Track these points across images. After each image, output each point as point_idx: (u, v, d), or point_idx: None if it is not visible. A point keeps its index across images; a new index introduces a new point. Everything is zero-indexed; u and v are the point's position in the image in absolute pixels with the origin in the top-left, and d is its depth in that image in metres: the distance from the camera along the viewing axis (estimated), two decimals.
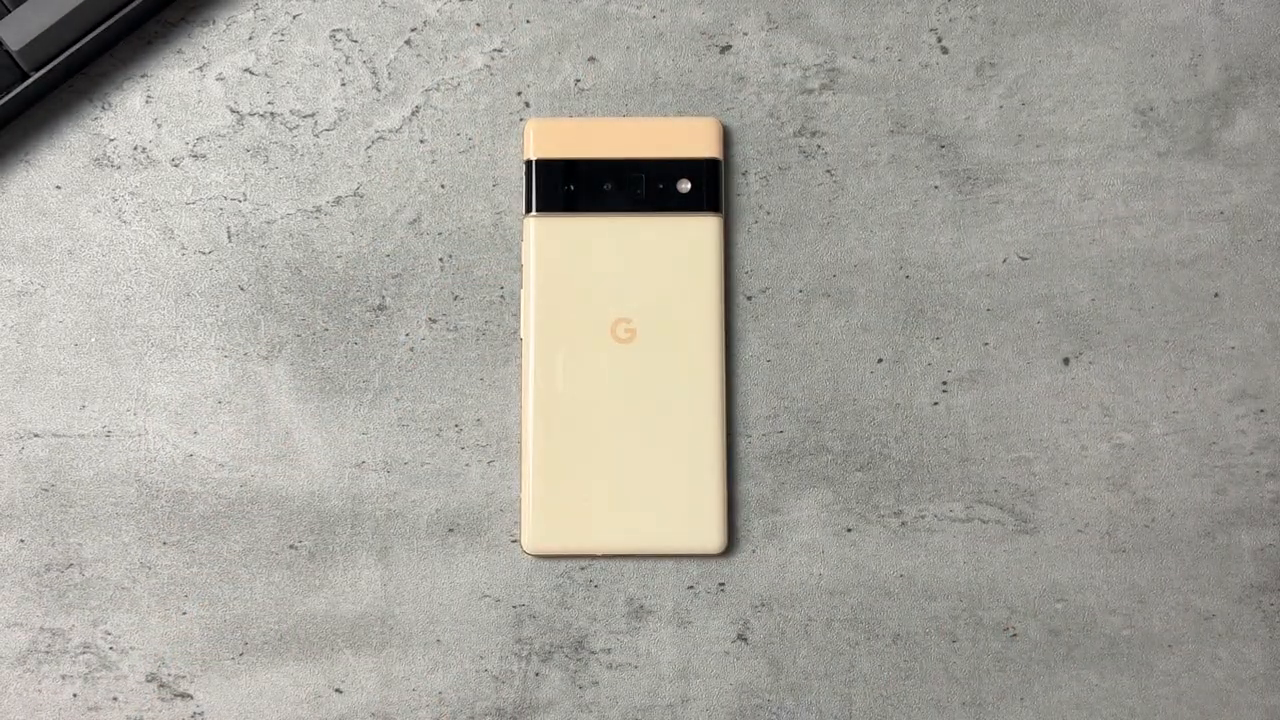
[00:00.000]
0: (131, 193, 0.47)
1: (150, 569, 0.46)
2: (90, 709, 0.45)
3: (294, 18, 0.47)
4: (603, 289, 0.45)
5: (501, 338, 0.46)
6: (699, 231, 0.46)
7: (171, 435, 0.46)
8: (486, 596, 0.46)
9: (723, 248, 0.46)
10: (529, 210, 0.46)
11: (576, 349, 0.45)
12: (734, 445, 0.46)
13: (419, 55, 0.47)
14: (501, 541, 0.46)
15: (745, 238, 0.47)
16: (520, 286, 0.46)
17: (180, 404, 0.46)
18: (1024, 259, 0.47)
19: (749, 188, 0.47)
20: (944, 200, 0.47)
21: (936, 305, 0.47)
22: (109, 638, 0.45)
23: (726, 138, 0.47)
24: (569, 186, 0.46)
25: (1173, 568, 0.46)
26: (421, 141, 0.47)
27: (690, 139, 0.46)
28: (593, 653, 0.46)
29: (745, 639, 0.46)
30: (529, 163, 0.46)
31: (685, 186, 0.46)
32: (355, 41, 0.47)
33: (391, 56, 0.47)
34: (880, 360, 0.47)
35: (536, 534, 0.45)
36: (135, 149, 0.47)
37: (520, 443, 0.45)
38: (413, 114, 0.47)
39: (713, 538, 0.45)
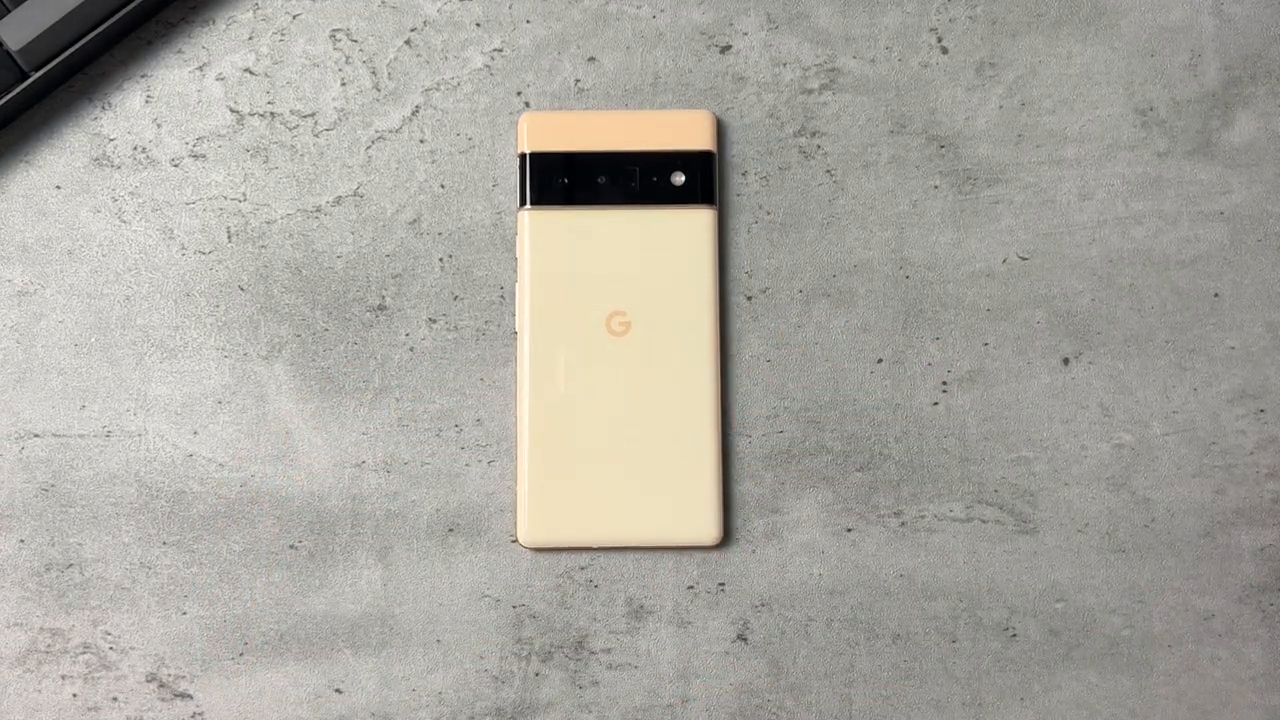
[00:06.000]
0: (131, 193, 0.47)
1: (150, 569, 0.46)
2: (90, 709, 0.45)
3: (294, 18, 0.47)
4: (598, 282, 0.45)
5: (501, 338, 0.46)
6: (693, 224, 0.46)
7: (171, 435, 0.46)
8: (486, 596, 0.46)
9: (717, 240, 0.46)
10: (523, 204, 0.46)
11: (571, 342, 0.45)
12: (734, 445, 0.46)
13: (419, 55, 0.47)
14: (501, 541, 0.46)
15: (745, 238, 0.47)
16: (515, 280, 0.46)
17: (180, 404, 0.46)
18: (1024, 259, 0.47)
19: (749, 187, 0.47)
20: (944, 200, 0.47)
21: (936, 305, 0.47)
22: (109, 638, 0.45)
23: (720, 130, 0.47)
24: (563, 180, 0.46)
25: (1173, 568, 0.46)
26: (421, 141, 0.47)
27: (684, 131, 0.46)
28: (593, 653, 0.46)
29: (745, 639, 0.46)
30: (523, 156, 0.46)
31: (679, 179, 0.46)
32: (355, 41, 0.47)
33: (391, 56, 0.47)
34: (880, 360, 0.47)
35: (533, 527, 0.45)
36: (135, 149, 0.47)
37: (516, 435, 0.45)
38: (413, 114, 0.47)
39: (708, 530, 0.45)
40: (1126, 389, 0.46)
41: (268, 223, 0.47)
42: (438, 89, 0.47)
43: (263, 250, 0.47)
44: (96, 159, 0.47)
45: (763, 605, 0.46)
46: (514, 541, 0.46)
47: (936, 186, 0.47)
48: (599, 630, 0.46)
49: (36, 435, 0.46)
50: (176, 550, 0.46)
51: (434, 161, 0.47)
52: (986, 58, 0.47)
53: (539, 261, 0.45)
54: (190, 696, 0.45)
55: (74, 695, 0.45)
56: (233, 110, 0.47)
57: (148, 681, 0.45)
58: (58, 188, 0.47)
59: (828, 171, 0.47)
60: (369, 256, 0.47)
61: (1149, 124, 0.47)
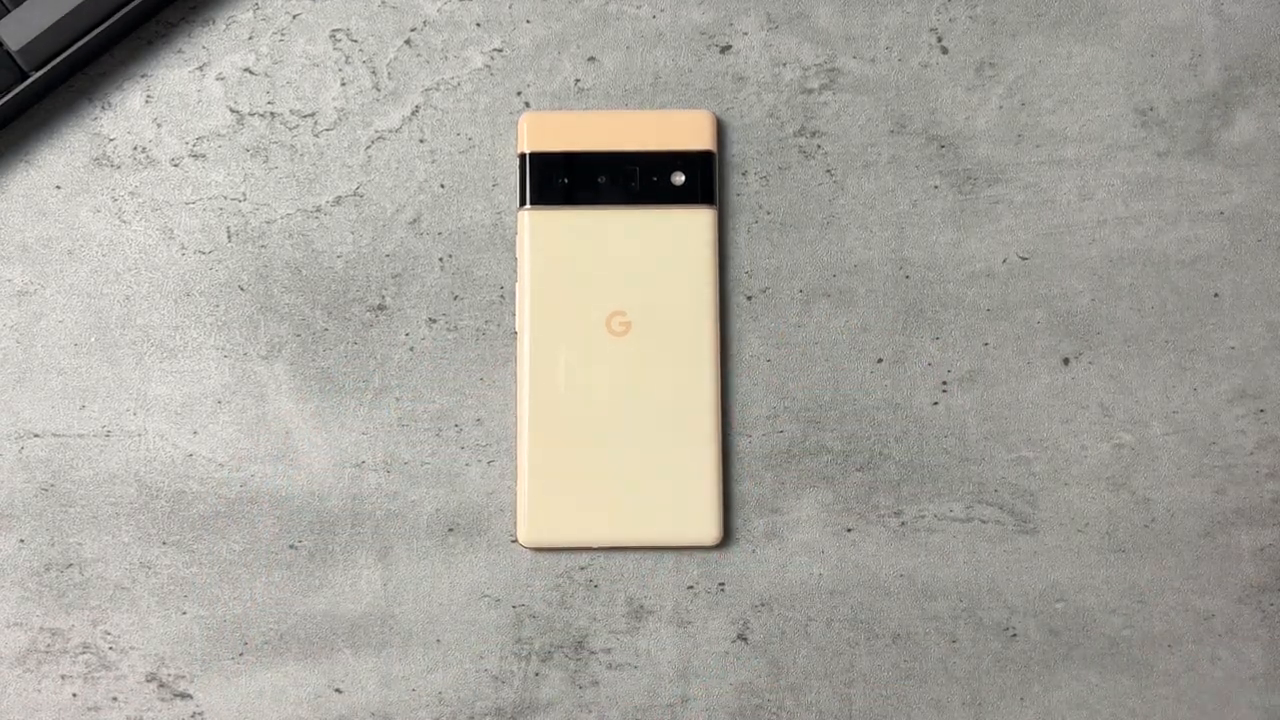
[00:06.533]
0: (131, 193, 0.47)
1: (150, 569, 0.46)
2: (90, 709, 0.45)
3: (294, 18, 0.47)
4: (598, 282, 0.45)
5: (501, 338, 0.46)
6: (693, 224, 0.46)
7: (171, 435, 0.46)
8: (486, 596, 0.46)
9: (717, 240, 0.46)
10: (523, 204, 0.46)
11: (571, 342, 0.45)
12: (734, 445, 0.46)
13: (419, 55, 0.47)
14: (501, 541, 0.46)
15: (745, 238, 0.47)
16: (515, 280, 0.46)
17: (180, 404, 0.46)
18: (1024, 259, 0.47)
19: (749, 187, 0.47)
20: (944, 200, 0.47)
21: (936, 305, 0.47)
22: (109, 638, 0.45)
23: (720, 130, 0.47)
24: (563, 179, 0.46)
25: (1173, 568, 0.46)
26: (421, 141, 0.47)
27: (684, 131, 0.46)
28: (593, 653, 0.46)
29: (745, 639, 0.46)
30: (523, 156, 0.46)
31: (679, 179, 0.46)
32: (355, 41, 0.47)
33: (391, 56, 0.47)
34: (880, 360, 0.47)
35: (533, 527, 0.45)
36: (135, 149, 0.47)
37: (515, 435, 0.45)
38: (413, 114, 0.47)
39: (708, 530, 0.45)
40: (1126, 389, 0.46)
41: (268, 223, 0.47)
42: (438, 89, 0.47)
43: (263, 250, 0.47)
44: (96, 159, 0.47)
45: (763, 605, 0.46)
46: (514, 541, 0.46)
47: (936, 186, 0.47)
48: (599, 630, 0.46)
49: (36, 435, 0.46)
50: (176, 550, 0.46)
51: (434, 161, 0.47)
52: (986, 58, 0.47)
53: (539, 261, 0.45)
54: (190, 696, 0.45)
55: (74, 695, 0.45)
56: (233, 110, 0.47)
57: (148, 681, 0.45)
58: (58, 188, 0.47)
59: (828, 171, 0.47)
60: (369, 256, 0.47)
61: (1149, 124, 0.47)
